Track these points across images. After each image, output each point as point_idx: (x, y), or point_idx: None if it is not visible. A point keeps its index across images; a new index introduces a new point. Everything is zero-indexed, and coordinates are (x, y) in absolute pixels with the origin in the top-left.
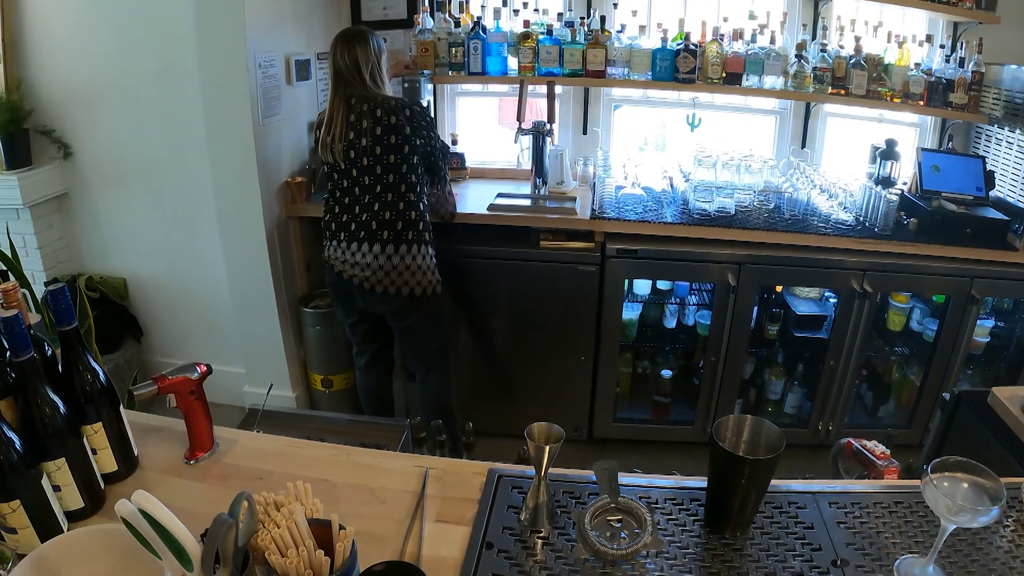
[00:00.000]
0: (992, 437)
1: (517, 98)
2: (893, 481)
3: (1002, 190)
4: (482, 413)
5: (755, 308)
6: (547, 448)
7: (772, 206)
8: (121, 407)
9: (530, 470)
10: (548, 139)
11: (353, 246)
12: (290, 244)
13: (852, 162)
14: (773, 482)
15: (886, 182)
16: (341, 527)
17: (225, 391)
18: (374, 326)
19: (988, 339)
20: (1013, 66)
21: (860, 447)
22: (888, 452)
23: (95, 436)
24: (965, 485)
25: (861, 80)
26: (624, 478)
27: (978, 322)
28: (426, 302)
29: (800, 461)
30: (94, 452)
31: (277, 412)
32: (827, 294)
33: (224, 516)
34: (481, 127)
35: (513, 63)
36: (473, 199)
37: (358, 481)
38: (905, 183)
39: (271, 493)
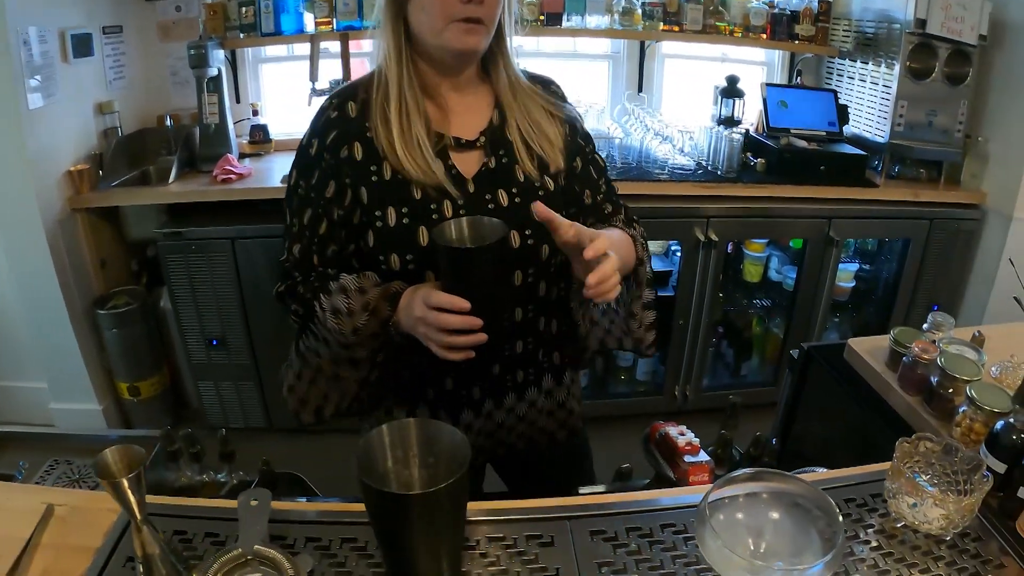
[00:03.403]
0: (851, 399)
1: (309, 56)
2: (689, 491)
3: (857, 126)
4: (279, 409)
5: None
6: (124, 482)
7: (604, 154)
8: None
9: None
10: None
11: None
12: (79, 240)
13: (696, 106)
14: (517, 503)
15: (729, 122)
16: None
17: (28, 410)
18: None
19: (853, 284)
20: None
21: (664, 433)
22: (697, 443)
23: None
24: (776, 515)
25: (696, 14)
26: None
27: (840, 266)
28: None
29: None
30: None
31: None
32: (673, 247)
33: None
34: (290, 96)
35: (310, 20)
36: (277, 174)
37: None
38: (752, 123)
39: None
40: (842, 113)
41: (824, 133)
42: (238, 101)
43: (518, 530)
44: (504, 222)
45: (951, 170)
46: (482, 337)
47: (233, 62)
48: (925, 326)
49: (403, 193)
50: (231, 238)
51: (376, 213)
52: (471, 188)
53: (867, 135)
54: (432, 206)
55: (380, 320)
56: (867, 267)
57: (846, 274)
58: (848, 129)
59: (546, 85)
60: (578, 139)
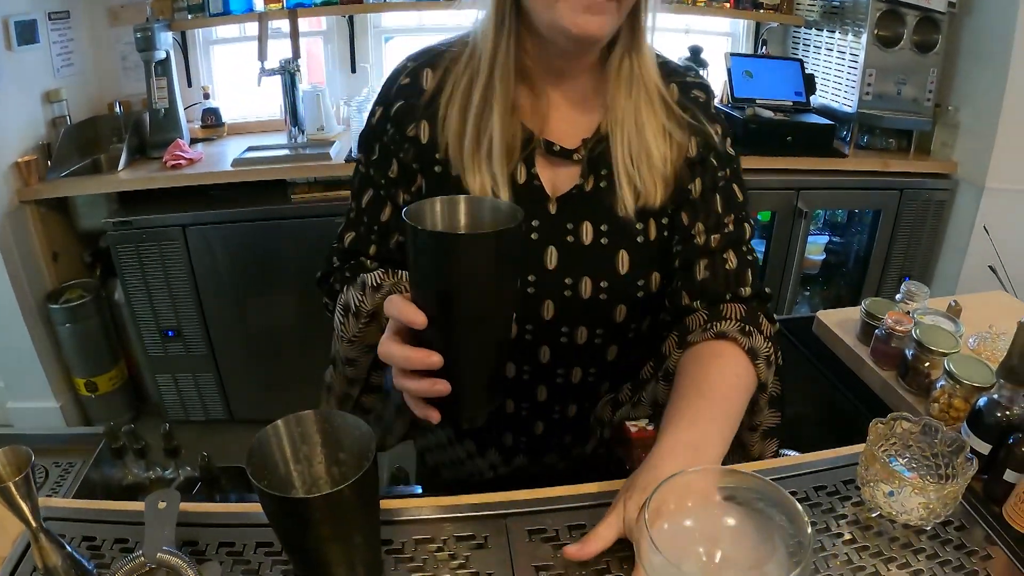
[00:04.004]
0: (822, 376)
1: (258, 35)
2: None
3: (824, 96)
4: (240, 400)
5: None
6: (11, 486)
7: None
8: None
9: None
10: (299, 79)
11: None
12: (29, 233)
13: None
14: (447, 501)
15: None
16: None
17: None
18: None
19: (823, 257)
20: None
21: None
22: (652, 429)
23: None
24: (732, 521)
25: None
26: None
27: (810, 239)
28: None
29: None
30: None
31: None
32: None
33: None
34: (244, 78)
35: None
36: (229, 158)
37: None
38: (717, 95)
39: None
40: (809, 82)
41: (791, 103)
42: (190, 85)
43: (449, 531)
44: (520, 222)
45: (921, 140)
46: (440, 387)
47: (184, 46)
48: (898, 296)
49: (463, 191)
50: (182, 225)
51: None
52: (552, 209)
53: (835, 105)
54: None
55: (380, 328)
56: (837, 239)
57: (816, 247)
58: (815, 99)
59: (681, 79)
60: (710, 158)
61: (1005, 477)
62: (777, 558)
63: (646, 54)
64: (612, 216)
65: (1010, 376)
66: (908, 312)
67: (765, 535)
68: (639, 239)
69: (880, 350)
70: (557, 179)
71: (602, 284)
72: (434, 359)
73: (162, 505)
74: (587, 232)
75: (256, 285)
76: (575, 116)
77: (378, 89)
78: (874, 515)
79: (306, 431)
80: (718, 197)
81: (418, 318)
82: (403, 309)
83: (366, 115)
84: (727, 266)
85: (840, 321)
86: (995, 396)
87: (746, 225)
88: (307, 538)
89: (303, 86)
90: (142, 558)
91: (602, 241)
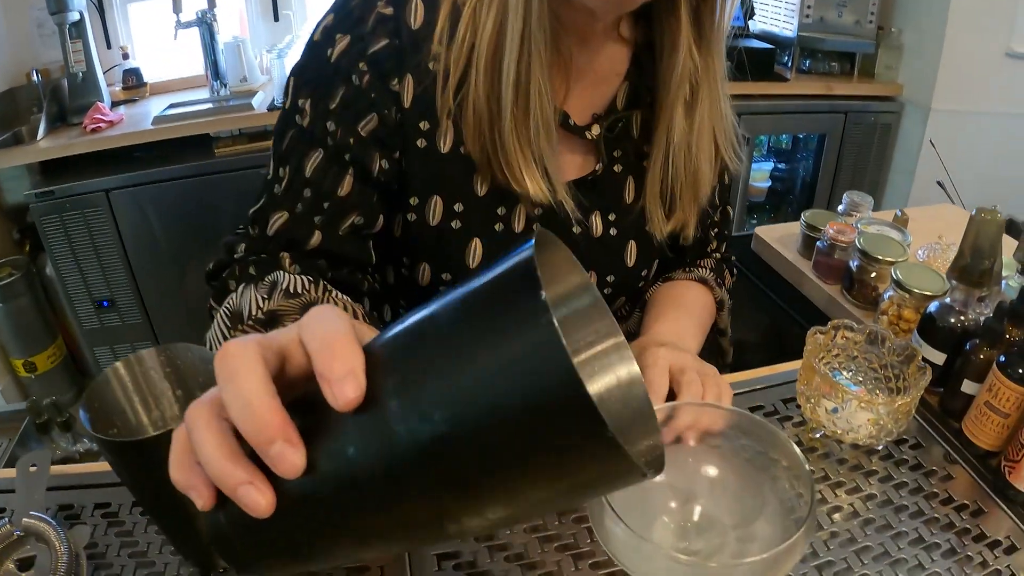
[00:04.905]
0: (764, 296)
1: None
2: None
3: (764, 21)
4: None
5: None
6: None
7: None
8: None
9: None
10: (217, 31)
11: None
12: None
13: None
14: None
15: None
16: None
17: None
18: None
19: (769, 184)
20: None
21: None
22: None
23: None
24: (712, 471)
25: None
26: None
27: (754, 166)
28: None
29: None
30: None
31: None
32: None
33: None
34: (163, 35)
35: None
36: (151, 117)
37: None
38: None
39: None
40: (748, 8)
41: (730, 28)
42: (109, 47)
43: None
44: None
45: (865, 63)
46: (260, 496)
47: (100, 6)
48: (840, 208)
49: (462, 180)
50: (105, 190)
51: (412, 200)
52: (561, 195)
53: (775, 30)
54: (499, 210)
55: None
56: (782, 166)
57: (761, 174)
58: (754, 25)
59: None
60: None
61: (963, 388)
62: (767, 514)
63: (719, 66)
64: (620, 203)
65: (963, 277)
66: (852, 224)
67: (752, 485)
68: (647, 227)
69: (823, 263)
70: (568, 160)
71: (608, 279)
72: (296, 458)
73: (32, 468)
74: (596, 223)
75: (187, 246)
76: (595, 85)
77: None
78: (817, 435)
79: (149, 371)
80: (716, 188)
81: (354, 382)
82: (339, 340)
83: (296, 52)
84: (709, 247)
85: (780, 237)
86: (947, 301)
87: (729, 209)
88: (152, 484)
89: (223, 38)
90: (8, 525)
91: (612, 232)
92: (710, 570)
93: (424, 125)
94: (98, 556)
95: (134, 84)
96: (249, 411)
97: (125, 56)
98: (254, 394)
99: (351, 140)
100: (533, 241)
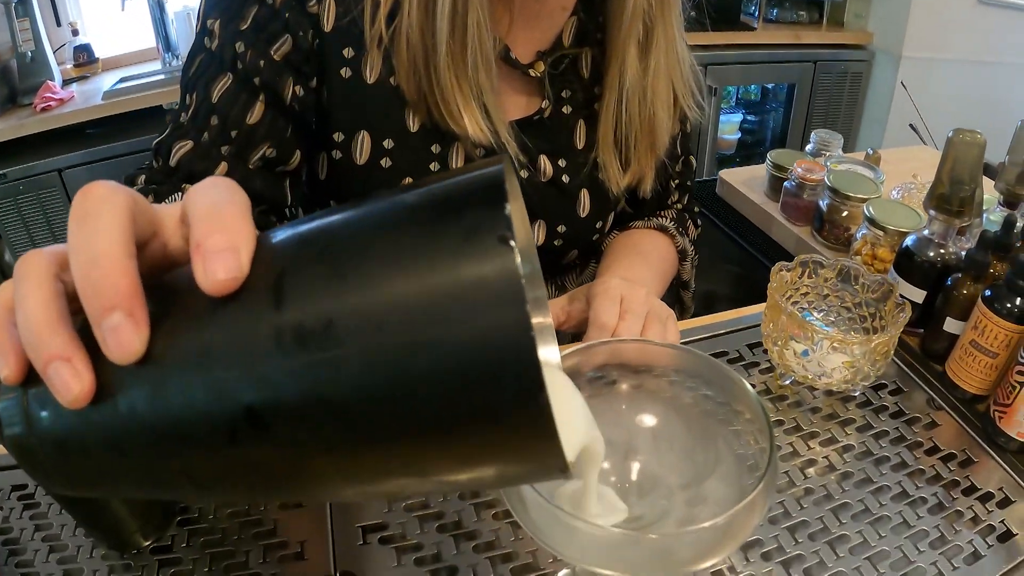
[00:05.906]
0: (730, 241)
1: None
2: None
3: None
4: None
5: None
6: None
7: None
8: None
9: None
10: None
11: None
12: None
13: None
14: None
15: None
16: None
17: None
18: None
19: (739, 136)
20: None
21: None
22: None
23: None
24: (652, 420)
25: None
26: None
27: (723, 117)
28: None
29: None
30: None
31: None
32: None
33: None
34: (113, 9)
35: None
36: (102, 93)
37: None
38: None
39: None
40: None
41: None
42: (59, 24)
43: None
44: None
45: (834, 11)
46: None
47: None
48: (808, 148)
49: (392, 114)
50: (58, 169)
51: (336, 136)
52: (504, 135)
53: None
54: (434, 148)
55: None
56: (752, 117)
57: (730, 126)
58: None
59: None
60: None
61: (945, 327)
62: (722, 470)
63: (674, 4)
64: (570, 148)
65: (941, 206)
66: (821, 162)
67: (703, 438)
68: (601, 177)
69: (791, 204)
70: (512, 100)
71: (559, 229)
72: (134, 339)
73: None
74: (546, 166)
75: None
76: (538, 22)
77: None
78: (787, 382)
79: None
80: (678, 137)
81: (234, 259)
82: (230, 211)
83: None
84: (670, 199)
85: (746, 180)
86: (925, 233)
87: (691, 159)
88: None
89: (173, 7)
90: None
91: (564, 179)
92: (650, 542)
93: (348, 52)
94: (12, 542)
95: (85, 61)
96: (94, 265)
97: (75, 32)
98: (106, 245)
99: (261, 63)
100: (502, 165)
